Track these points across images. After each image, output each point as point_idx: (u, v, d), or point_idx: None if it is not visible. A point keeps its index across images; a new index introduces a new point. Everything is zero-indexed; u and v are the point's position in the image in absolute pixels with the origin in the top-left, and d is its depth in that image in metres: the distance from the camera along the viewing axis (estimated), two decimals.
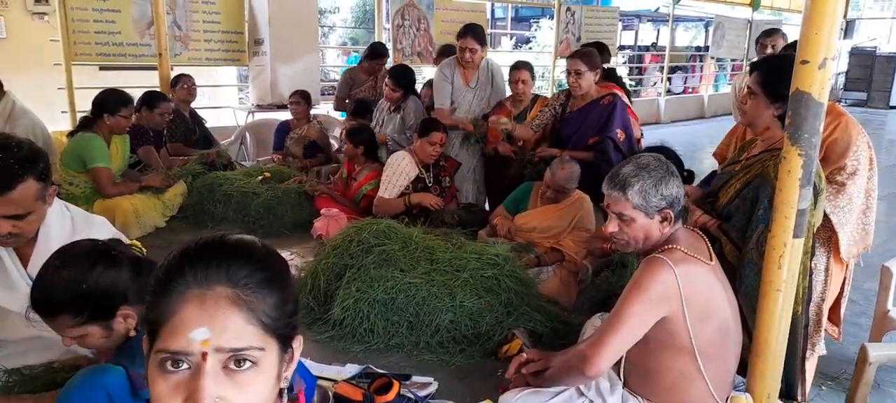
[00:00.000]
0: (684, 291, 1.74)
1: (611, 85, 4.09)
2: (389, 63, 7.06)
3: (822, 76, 1.92)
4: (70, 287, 1.40)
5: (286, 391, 0.94)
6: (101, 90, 4.19)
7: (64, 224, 1.96)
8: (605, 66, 4.71)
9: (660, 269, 1.76)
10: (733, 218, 2.35)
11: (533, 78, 4.35)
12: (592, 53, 3.78)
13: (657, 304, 1.75)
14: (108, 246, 1.48)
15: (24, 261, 1.90)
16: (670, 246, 1.84)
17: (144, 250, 1.60)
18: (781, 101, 2.19)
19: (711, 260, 1.88)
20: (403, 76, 4.73)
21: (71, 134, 4.07)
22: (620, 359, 1.98)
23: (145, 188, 4.10)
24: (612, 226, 1.90)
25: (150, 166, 4.42)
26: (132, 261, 1.49)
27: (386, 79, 4.72)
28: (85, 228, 2.00)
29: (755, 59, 2.63)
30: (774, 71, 2.23)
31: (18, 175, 1.73)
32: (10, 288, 1.87)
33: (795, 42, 2.22)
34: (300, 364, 1.92)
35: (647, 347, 1.85)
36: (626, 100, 4.16)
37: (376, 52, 5.51)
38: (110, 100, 3.95)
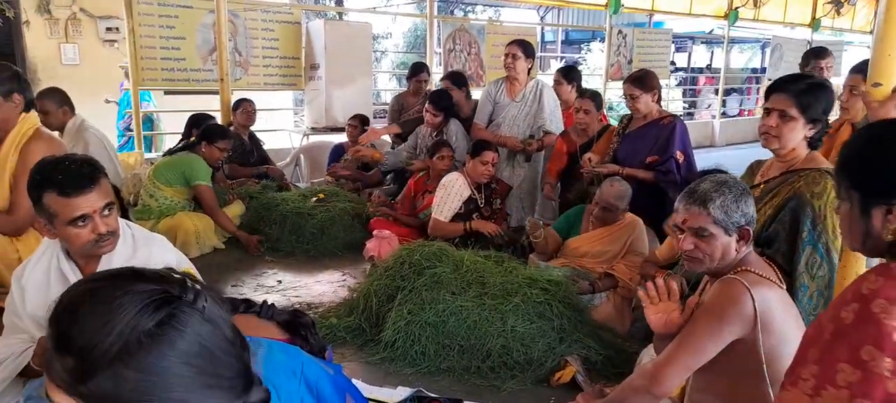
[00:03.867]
0: (761, 314, 1.69)
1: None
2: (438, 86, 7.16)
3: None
4: None
5: None
6: (192, 116, 4.67)
7: (125, 241, 2.04)
8: (585, 88, 4.82)
9: (737, 290, 1.72)
10: (775, 243, 2.30)
11: (598, 108, 4.27)
12: (646, 76, 3.77)
13: (731, 325, 1.71)
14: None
15: None
16: (744, 267, 1.79)
17: (197, 275, 1.64)
18: (814, 123, 2.20)
19: (782, 284, 1.81)
20: (443, 100, 4.77)
21: (169, 152, 4.44)
22: (684, 391, 1.93)
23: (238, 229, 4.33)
24: (687, 244, 1.83)
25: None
26: None
27: (426, 105, 4.76)
28: (146, 245, 2.07)
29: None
30: (812, 92, 2.19)
31: (97, 172, 1.86)
32: None
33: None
34: (352, 386, 1.93)
35: (716, 372, 1.79)
36: None
37: (415, 69, 5.61)
38: (210, 131, 4.31)
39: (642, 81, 3.71)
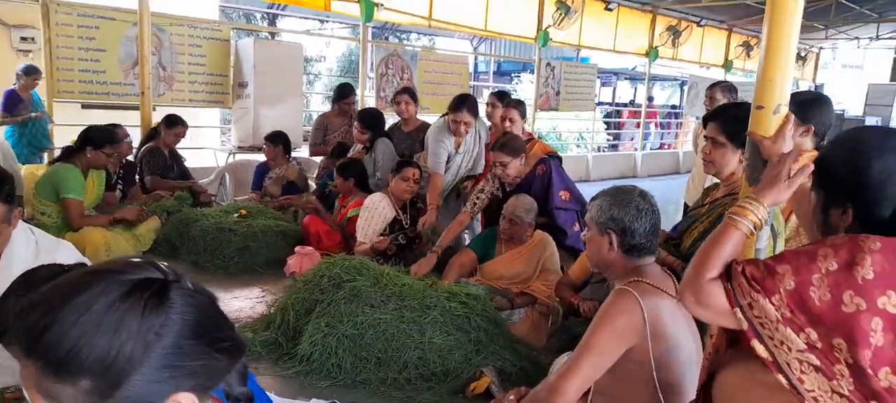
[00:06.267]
0: (650, 323, 1.78)
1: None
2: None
3: (777, 121, 2.02)
4: None
5: None
6: (85, 128, 4.27)
7: (28, 247, 1.95)
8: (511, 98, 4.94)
9: (626, 300, 1.81)
10: None
11: (523, 116, 4.33)
12: (511, 142, 3.74)
13: (623, 335, 1.80)
14: None
15: None
16: (637, 279, 1.89)
17: None
18: (743, 148, 2.31)
19: (676, 294, 1.92)
20: (371, 118, 4.86)
21: (51, 163, 4.09)
22: (589, 396, 2.00)
23: (117, 221, 4.07)
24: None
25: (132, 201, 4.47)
26: None
27: (355, 123, 4.80)
28: (50, 252, 1.98)
29: (709, 111, 2.74)
30: (735, 119, 2.31)
31: None
32: None
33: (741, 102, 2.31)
34: (263, 394, 1.91)
35: (613, 379, 1.88)
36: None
37: (343, 92, 5.61)
38: (96, 135, 4.04)
39: (510, 147, 3.68)
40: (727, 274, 1.35)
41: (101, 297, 0.77)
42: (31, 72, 5.59)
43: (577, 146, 13.70)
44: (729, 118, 2.36)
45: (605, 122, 14.74)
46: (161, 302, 0.79)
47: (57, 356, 0.75)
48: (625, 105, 16.79)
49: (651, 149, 13.94)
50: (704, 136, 2.44)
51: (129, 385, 0.77)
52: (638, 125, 12.99)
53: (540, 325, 3.32)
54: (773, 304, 1.24)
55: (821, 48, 16.03)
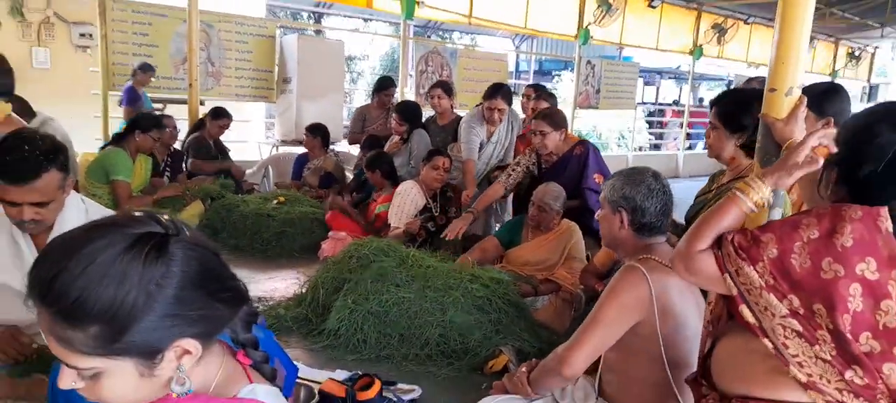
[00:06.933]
0: (657, 298, 1.83)
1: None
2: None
3: (789, 103, 2.03)
4: None
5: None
6: (133, 117, 4.56)
7: (79, 214, 2.11)
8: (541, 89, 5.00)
9: (634, 276, 1.87)
10: None
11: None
12: (555, 114, 3.83)
13: (630, 309, 1.85)
14: None
15: (40, 248, 2.02)
16: (647, 256, 1.94)
17: None
18: (741, 132, 2.34)
19: None
20: (408, 110, 5.02)
21: (102, 147, 4.38)
22: (598, 370, 2.06)
23: (162, 202, 4.32)
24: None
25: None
26: None
27: (393, 115, 4.94)
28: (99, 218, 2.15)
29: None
30: (732, 104, 2.38)
31: (43, 165, 1.89)
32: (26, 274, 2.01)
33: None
34: (282, 353, 2.03)
35: (621, 353, 1.93)
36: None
37: (383, 84, 5.79)
38: (144, 120, 4.33)
39: (552, 118, 3.74)
40: (718, 243, 1.40)
41: (106, 249, 0.84)
42: (146, 70, 5.95)
43: (618, 145, 13.56)
44: (726, 103, 2.41)
45: (648, 122, 14.53)
46: (161, 254, 0.86)
47: (66, 304, 0.82)
48: (668, 104, 16.52)
49: (697, 150, 13.69)
50: (708, 121, 2.49)
51: (134, 332, 0.83)
52: (681, 125, 12.77)
53: (563, 312, 3.36)
54: (757, 272, 1.29)
55: (877, 47, 15.41)
